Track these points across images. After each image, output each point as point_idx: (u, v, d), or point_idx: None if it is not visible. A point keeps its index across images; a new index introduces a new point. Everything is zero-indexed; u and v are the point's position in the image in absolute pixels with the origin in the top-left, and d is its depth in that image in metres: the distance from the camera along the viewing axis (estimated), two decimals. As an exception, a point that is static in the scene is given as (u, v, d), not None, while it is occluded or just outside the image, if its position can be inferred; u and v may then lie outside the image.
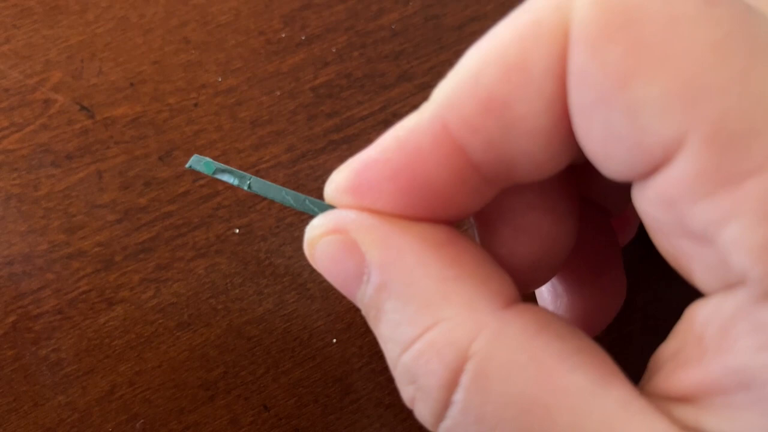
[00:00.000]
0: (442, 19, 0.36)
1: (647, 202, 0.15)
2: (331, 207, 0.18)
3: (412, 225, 0.17)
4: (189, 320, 0.31)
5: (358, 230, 0.17)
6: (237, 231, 0.32)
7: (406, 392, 0.17)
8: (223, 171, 0.20)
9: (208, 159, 0.20)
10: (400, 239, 0.17)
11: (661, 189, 0.14)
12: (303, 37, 0.35)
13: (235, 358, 0.31)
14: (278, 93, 0.34)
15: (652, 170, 0.14)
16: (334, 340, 0.32)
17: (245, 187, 0.20)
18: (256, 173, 0.33)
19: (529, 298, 0.26)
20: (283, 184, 0.33)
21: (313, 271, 0.32)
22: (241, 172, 0.20)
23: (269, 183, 0.20)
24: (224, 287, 0.32)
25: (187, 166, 0.20)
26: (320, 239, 0.18)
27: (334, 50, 0.35)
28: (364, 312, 0.18)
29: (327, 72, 0.35)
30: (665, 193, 0.14)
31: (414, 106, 0.36)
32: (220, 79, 0.34)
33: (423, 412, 0.17)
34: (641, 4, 0.14)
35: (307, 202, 0.19)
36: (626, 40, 0.14)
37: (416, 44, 0.35)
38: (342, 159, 0.33)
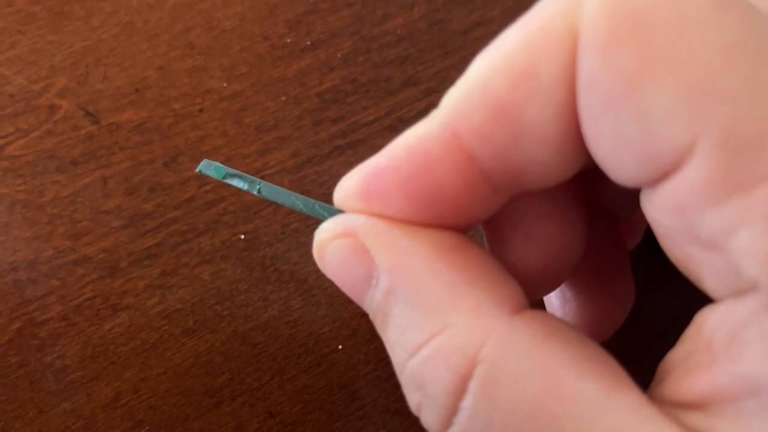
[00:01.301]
0: (447, 24, 0.36)
1: (656, 209, 0.15)
2: (340, 212, 0.18)
3: (422, 230, 0.17)
4: (194, 327, 0.31)
5: (367, 234, 0.17)
6: (242, 237, 0.32)
7: (413, 399, 0.17)
8: (233, 175, 0.20)
9: (217, 164, 0.20)
10: (409, 244, 0.17)
11: (671, 196, 0.14)
12: (308, 43, 0.35)
13: (241, 365, 0.31)
14: (283, 98, 0.34)
15: (661, 176, 0.14)
16: (340, 347, 0.32)
17: (255, 192, 0.20)
18: (261, 179, 0.33)
19: (538, 305, 0.26)
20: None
21: (318, 277, 0.32)
22: (250, 176, 0.20)
23: (279, 188, 0.20)
24: (229, 293, 0.32)
25: (197, 170, 0.20)
26: (330, 242, 0.18)
27: (339, 55, 0.35)
28: (371, 317, 0.18)
29: (332, 77, 0.35)
30: (675, 200, 0.14)
31: (420, 111, 0.36)
32: (225, 85, 0.34)
33: (429, 419, 0.17)
34: (650, 9, 0.14)
35: (317, 206, 0.19)
36: (635, 45, 0.14)
37: (421, 49, 0.35)
38: (347, 164, 0.33)
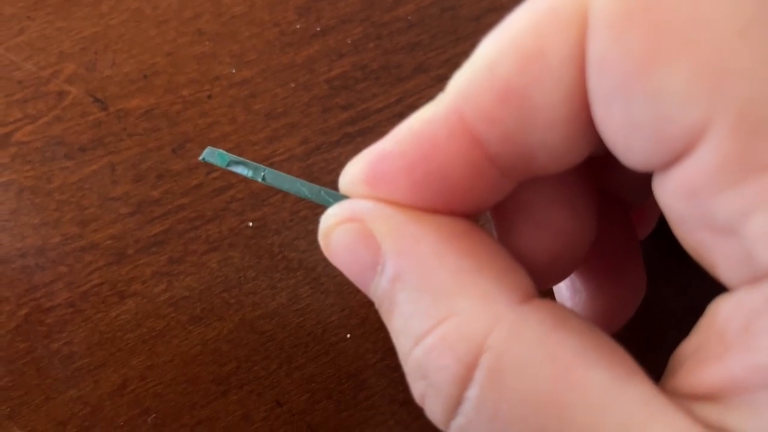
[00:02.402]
0: (458, 10, 0.36)
1: (669, 194, 0.15)
2: (346, 198, 0.18)
3: (429, 216, 0.17)
4: (201, 314, 0.31)
5: (374, 219, 0.17)
6: (250, 224, 0.32)
7: (417, 388, 0.17)
8: (237, 163, 0.20)
9: (221, 151, 0.20)
10: (416, 229, 0.17)
11: (684, 179, 0.14)
12: (318, 29, 0.35)
13: (248, 353, 0.31)
14: (292, 85, 0.34)
15: (674, 159, 0.14)
16: (348, 336, 0.31)
17: (259, 179, 0.20)
18: (270, 166, 0.33)
19: (548, 294, 0.25)
20: (297, 177, 0.32)
21: (327, 265, 0.32)
22: (255, 163, 0.20)
23: (283, 174, 0.20)
24: (237, 281, 0.31)
25: (200, 158, 0.20)
26: (336, 228, 0.18)
27: (349, 42, 0.34)
28: (377, 304, 0.18)
29: (342, 64, 0.34)
30: (688, 184, 0.14)
31: (430, 99, 0.35)
32: (233, 71, 0.34)
33: (434, 409, 0.16)
34: None
35: (322, 193, 0.19)
36: (648, 24, 0.13)
37: (433, 35, 0.35)
38: (357, 152, 0.33)
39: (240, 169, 0.20)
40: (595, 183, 0.20)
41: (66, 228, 0.31)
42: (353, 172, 0.18)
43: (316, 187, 0.19)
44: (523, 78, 0.15)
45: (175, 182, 0.32)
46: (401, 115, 0.34)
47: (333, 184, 0.33)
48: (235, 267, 0.32)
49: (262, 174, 0.20)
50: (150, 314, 0.31)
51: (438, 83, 0.34)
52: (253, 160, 0.33)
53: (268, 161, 0.33)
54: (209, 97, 0.33)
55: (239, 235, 0.32)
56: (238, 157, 0.20)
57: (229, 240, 0.32)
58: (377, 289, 0.17)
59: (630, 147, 0.14)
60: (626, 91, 0.14)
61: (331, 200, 0.19)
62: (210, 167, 0.32)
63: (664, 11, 0.13)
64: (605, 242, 0.21)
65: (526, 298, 0.16)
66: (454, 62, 0.35)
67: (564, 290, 0.23)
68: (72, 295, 0.31)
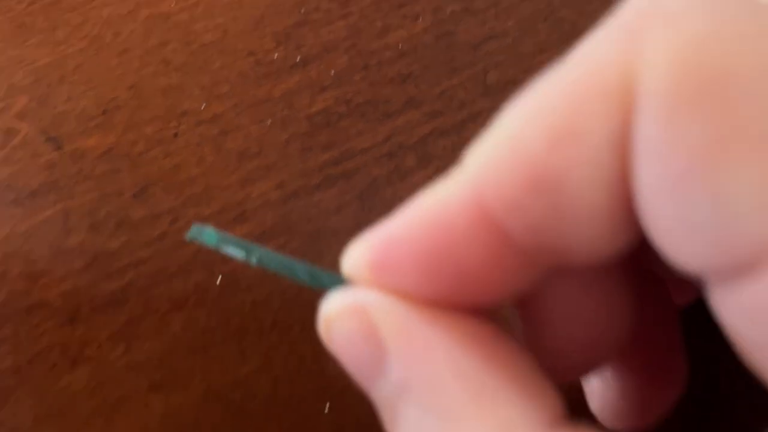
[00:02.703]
0: (455, 37, 0.33)
1: (727, 309, 0.12)
2: (349, 283, 0.17)
3: (444, 314, 0.15)
4: (163, 382, 0.28)
5: (379, 314, 0.15)
6: (219, 280, 0.29)
7: None
8: (228, 242, 0.18)
9: (210, 229, 0.18)
10: (428, 331, 0.15)
11: (747, 299, 0.12)
12: (298, 58, 0.32)
13: (214, 426, 0.28)
14: (269, 121, 0.31)
15: (735, 273, 0.12)
16: (327, 407, 0.28)
17: (253, 261, 0.18)
18: (243, 213, 0.30)
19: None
20: (272, 226, 0.30)
21: (303, 327, 0.29)
22: (248, 243, 0.18)
23: (280, 255, 0.18)
24: (203, 345, 0.29)
25: (186, 237, 0.18)
26: (337, 317, 0.16)
27: (332, 73, 0.32)
28: (378, 408, 0.16)
29: (324, 98, 0.32)
30: (752, 305, 0.12)
31: (422, 137, 0.32)
32: (203, 106, 0.31)
33: None
34: (735, 62, 0.11)
35: (323, 278, 0.17)
36: (714, 109, 0.11)
37: (425, 66, 0.32)
38: (339, 196, 0.30)
39: (231, 250, 0.18)
40: (634, 265, 0.17)
41: (12, 284, 0.29)
42: (357, 256, 0.16)
43: (317, 269, 0.17)
44: (554, 160, 0.13)
45: (136, 232, 0.29)
46: (389, 155, 0.31)
47: (312, 234, 0.30)
48: (201, 329, 0.29)
49: (257, 255, 0.18)
50: (105, 382, 0.28)
51: (431, 119, 0.31)
52: (223, 206, 0.30)
53: (240, 208, 0.30)
54: (175, 135, 0.30)
55: (206, 292, 0.29)
56: (229, 236, 0.18)
57: (194, 298, 0.29)
58: (380, 392, 0.15)
59: (681, 251, 0.12)
60: (683, 188, 0.11)
61: (332, 286, 0.17)
62: (174, 214, 0.29)
63: (735, 94, 0.11)
64: (642, 326, 0.19)
65: (553, 422, 0.14)
66: (449, 95, 0.32)
67: (593, 381, 0.21)
68: (17, 360, 0.28)
